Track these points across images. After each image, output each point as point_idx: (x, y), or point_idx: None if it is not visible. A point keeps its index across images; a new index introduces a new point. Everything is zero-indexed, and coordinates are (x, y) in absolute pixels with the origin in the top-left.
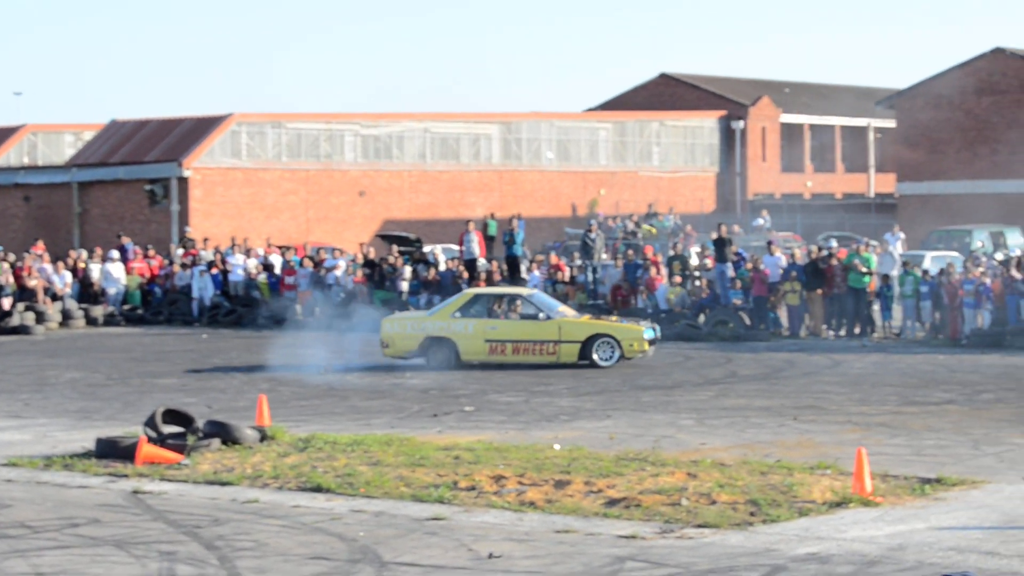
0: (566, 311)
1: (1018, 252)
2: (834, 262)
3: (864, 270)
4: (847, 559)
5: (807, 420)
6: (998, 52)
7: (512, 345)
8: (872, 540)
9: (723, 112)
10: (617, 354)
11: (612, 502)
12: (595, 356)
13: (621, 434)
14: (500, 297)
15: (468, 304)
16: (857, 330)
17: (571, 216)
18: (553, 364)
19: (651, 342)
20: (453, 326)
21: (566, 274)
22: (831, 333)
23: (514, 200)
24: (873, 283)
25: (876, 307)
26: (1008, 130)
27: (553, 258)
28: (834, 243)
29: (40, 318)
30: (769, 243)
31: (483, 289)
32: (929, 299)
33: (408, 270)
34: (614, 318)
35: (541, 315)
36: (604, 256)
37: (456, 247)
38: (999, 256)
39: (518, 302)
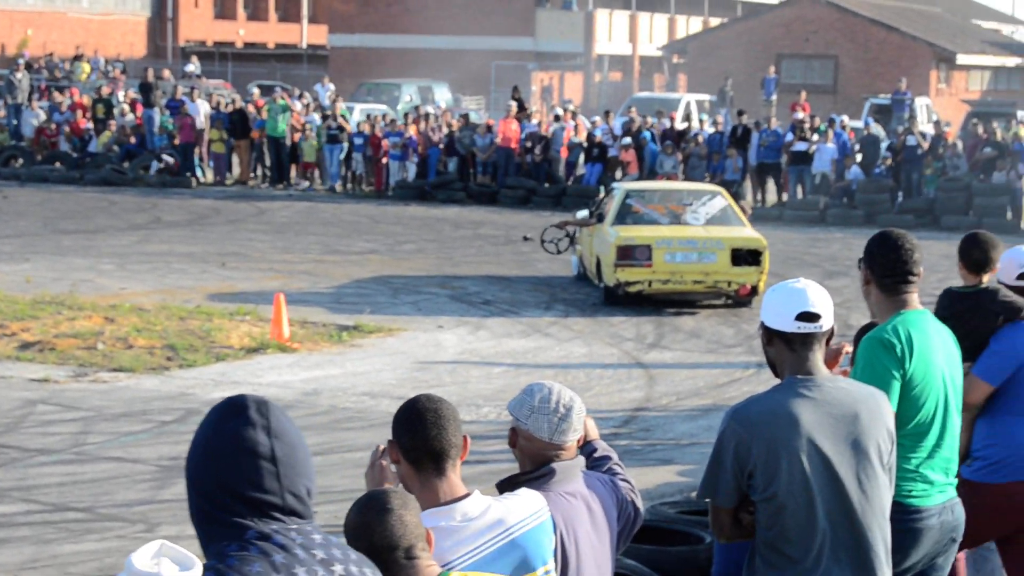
0: None
1: (443, 106)
2: (255, 112)
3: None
4: None
5: (230, 267)
6: None
7: None
8: (287, 385)
9: None
10: None
11: (26, 345)
12: None
13: (40, 278)
14: None
15: None
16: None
17: None
18: None
19: None
20: None
21: None
22: (257, 181)
23: None
24: (296, 133)
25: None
26: None
27: None
28: (255, 91)
29: None
30: (192, 89)
31: None
32: (360, 151)
33: None
34: None
35: None
36: (33, 100)
37: None
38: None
39: None
